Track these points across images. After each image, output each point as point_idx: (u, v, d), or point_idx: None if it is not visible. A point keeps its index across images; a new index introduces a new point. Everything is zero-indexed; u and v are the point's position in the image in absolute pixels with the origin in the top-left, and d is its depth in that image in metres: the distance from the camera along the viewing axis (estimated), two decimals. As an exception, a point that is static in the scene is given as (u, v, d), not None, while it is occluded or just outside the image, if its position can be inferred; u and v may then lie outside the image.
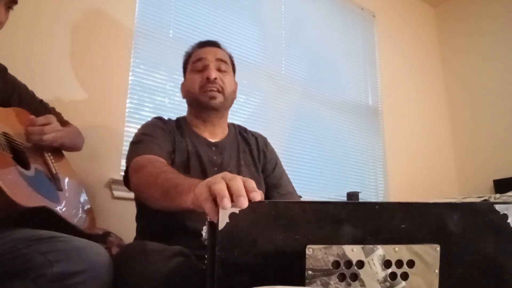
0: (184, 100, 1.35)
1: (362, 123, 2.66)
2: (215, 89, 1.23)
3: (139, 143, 1.14)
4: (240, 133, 1.38)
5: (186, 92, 1.30)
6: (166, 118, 1.32)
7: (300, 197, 1.56)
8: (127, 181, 1.14)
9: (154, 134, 1.18)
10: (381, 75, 2.86)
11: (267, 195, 1.31)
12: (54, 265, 0.76)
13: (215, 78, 1.22)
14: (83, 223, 1.16)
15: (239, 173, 1.24)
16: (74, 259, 0.79)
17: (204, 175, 1.17)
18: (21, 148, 1.04)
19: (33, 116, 1.11)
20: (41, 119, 1.11)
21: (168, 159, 1.12)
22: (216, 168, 1.21)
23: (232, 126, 1.38)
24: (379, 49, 2.90)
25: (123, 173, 1.32)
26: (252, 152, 1.34)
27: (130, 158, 1.12)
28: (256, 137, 1.40)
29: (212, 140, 1.28)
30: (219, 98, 1.24)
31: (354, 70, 2.74)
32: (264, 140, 1.42)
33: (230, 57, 1.36)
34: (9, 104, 1.16)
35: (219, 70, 1.26)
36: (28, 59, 1.51)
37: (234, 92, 1.32)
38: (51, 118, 1.14)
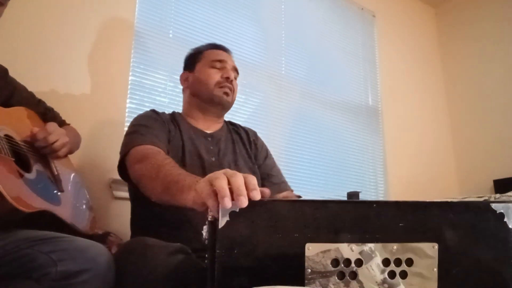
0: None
1: (362, 123, 2.66)
2: (229, 89, 1.32)
3: (136, 133, 1.14)
4: (231, 127, 1.44)
5: (197, 83, 1.33)
6: (162, 111, 1.33)
7: (300, 196, 1.56)
8: (122, 171, 1.14)
9: (150, 125, 1.19)
10: (381, 75, 2.86)
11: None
12: (57, 264, 0.77)
13: (232, 81, 1.32)
14: (84, 224, 1.16)
15: (235, 162, 1.28)
16: (78, 258, 0.79)
17: (202, 165, 1.19)
18: (23, 151, 1.05)
19: (37, 132, 1.10)
20: (52, 138, 1.10)
21: (166, 150, 1.13)
22: (213, 158, 1.24)
23: (223, 121, 1.43)
24: (379, 49, 2.90)
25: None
26: (244, 143, 1.39)
27: (128, 147, 1.11)
28: (246, 130, 1.46)
29: (208, 131, 1.32)
30: (230, 97, 1.33)
31: (354, 70, 2.74)
32: (254, 132, 1.48)
33: None
34: (10, 104, 1.16)
35: None
36: (28, 59, 1.51)
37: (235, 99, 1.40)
38: (58, 131, 1.14)
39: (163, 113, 1.32)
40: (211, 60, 1.33)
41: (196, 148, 1.23)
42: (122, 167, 1.13)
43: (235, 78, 1.37)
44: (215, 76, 1.30)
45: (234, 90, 1.34)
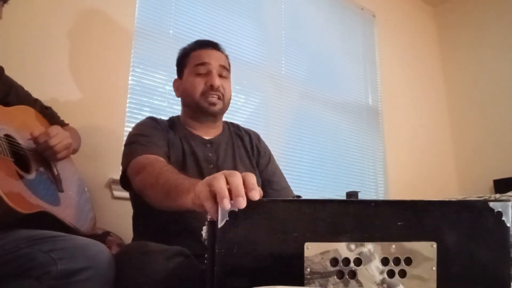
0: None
1: (362, 123, 2.67)
2: (217, 97, 1.24)
3: (135, 144, 1.14)
4: (233, 130, 1.39)
5: (184, 93, 1.29)
6: (160, 118, 1.31)
7: (300, 197, 1.56)
8: (124, 182, 1.14)
9: (149, 134, 1.17)
10: (381, 75, 2.86)
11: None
12: (58, 263, 0.77)
13: (218, 86, 1.24)
14: (84, 224, 1.16)
15: (235, 169, 1.24)
16: (78, 257, 0.79)
17: (200, 172, 1.17)
18: (24, 151, 1.05)
19: (38, 135, 1.08)
20: (53, 141, 1.09)
21: (166, 158, 1.12)
22: (212, 166, 1.22)
23: (225, 124, 1.39)
24: (379, 49, 2.91)
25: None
26: (246, 148, 1.35)
27: (128, 159, 1.11)
28: (249, 133, 1.41)
29: (207, 137, 1.28)
30: (219, 105, 1.25)
31: (354, 70, 2.74)
32: (257, 136, 1.44)
33: (228, 59, 1.36)
34: (6, 103, 1.15)
35: (220, 76, 1.27)
36: (28, 59, 1.51)
37: (230, 98, 1.34)
38: (61, 134, 1.13)
39: (161, 119, 1.30)
40: (194, 65, 1.26)
41: (195, 155, 1.21)
42: (125, 178, 1.12)
43: (224, 77, 1.28)
44: (199, 85, 1.24)
45: (223, 95, 1.26)
